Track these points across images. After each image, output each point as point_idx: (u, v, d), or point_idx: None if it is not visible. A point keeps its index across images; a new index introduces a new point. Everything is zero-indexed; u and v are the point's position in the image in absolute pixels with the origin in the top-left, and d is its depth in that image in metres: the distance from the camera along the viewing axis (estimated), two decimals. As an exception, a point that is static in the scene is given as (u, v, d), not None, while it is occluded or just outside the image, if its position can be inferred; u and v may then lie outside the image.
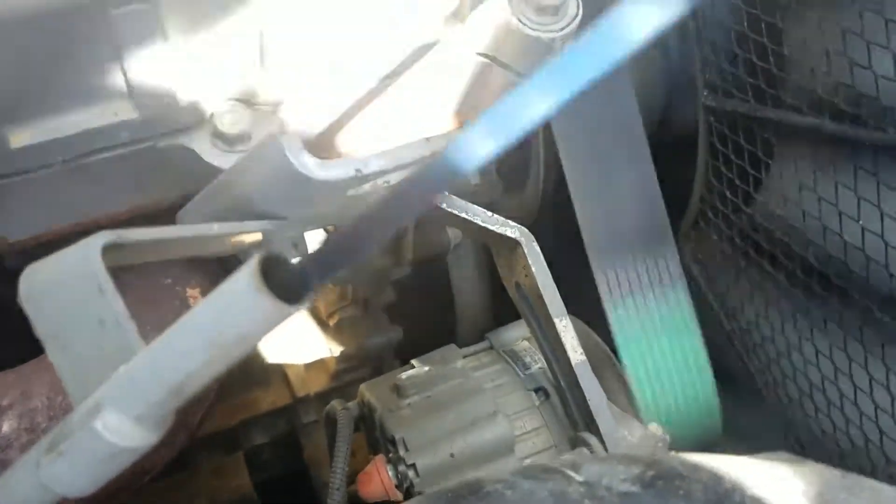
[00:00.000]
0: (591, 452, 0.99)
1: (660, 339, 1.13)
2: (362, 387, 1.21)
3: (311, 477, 1.47)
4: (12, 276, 0.74)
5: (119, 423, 0.36)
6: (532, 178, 1.36)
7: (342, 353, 1.46)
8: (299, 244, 0.67)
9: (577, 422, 1.04)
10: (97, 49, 0.52)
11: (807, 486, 0.51)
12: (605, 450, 0.98)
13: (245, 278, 0.31)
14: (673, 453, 0.55)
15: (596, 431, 0.98)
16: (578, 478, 0.51)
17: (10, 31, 0.47)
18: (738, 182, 1.10)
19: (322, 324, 1.43)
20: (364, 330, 1.47)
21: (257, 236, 0.55)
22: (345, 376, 1.49)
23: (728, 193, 1.07)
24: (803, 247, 0.99)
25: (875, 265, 0.90)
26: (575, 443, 1.03)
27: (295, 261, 0.32)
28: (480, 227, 1.03)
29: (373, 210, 0.33)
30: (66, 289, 0.40)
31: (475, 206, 1.03)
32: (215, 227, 0.51)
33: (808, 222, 0.96)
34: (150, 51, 0.53)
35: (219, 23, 0.55)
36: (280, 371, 1.42)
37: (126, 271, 0.40)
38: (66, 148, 0.57)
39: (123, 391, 0.36)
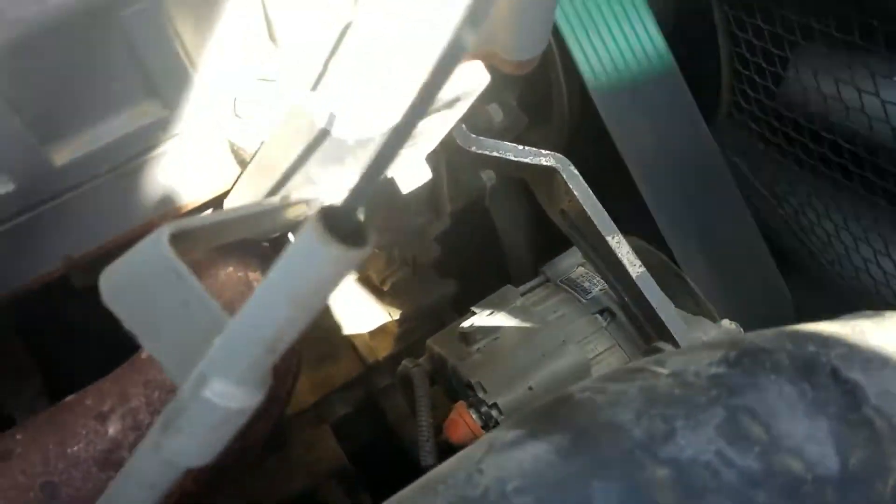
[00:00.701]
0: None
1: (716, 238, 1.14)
2: (429, 342, 1.23)
3: (398, 437, 1.51)
4: (79, 295, 0.78)
5: (225, 388, 0.38)
6: (556, 108, 1.35)
7: (402, 314, 1.49)
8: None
9: (648, 334, 1.05)
10: (115, 53, 0.53)
11: (890, 335, 0.52)
12: (681, 354, 0.99)
13: (310, 233, 0.33)
14: (753, 332, 0.55)
15: (669, 338, 0.99)
16: (664, 371, 0.52)
17: (30, 50, 0.49)
18: (765, 65, 1.09)
19: (377, 291, 1.46)
20: (418, 289, 1.49)
21: (305, 207, 0.57)
22: (409, 336, 1.52)
23: (757, 78, 1.06)
24: (828, 130, 0.99)
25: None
26: (650, 353, 1.04)
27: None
28: (515, 162, 1.03)
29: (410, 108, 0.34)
30: (145, 282, 0.42)
31: (506, 143, 1.04)
32: (265, 202, 0.52)
33: (831, 104, 0.95)
34: (165, 45, 0.54)
35: (223, 4, 0.56)
36: (347, 343, 1.45)
37: (190, 268, 0.42)
38: (108, 157, 0.59)
39: (224, 359, 0.38)
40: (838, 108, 0.95)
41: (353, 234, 0.34)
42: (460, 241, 1.53)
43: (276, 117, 0.60)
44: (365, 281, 1.45)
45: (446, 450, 1.16)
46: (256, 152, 0.59)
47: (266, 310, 0.36)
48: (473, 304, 1.23)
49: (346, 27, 0.54)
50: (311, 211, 0.58)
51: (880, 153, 0.96)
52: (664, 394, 0.50)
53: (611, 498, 0.44)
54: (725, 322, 1.04)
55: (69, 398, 0.69)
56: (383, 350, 1.48)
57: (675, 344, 1.00)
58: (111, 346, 0.67)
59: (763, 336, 0.54)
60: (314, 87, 0.56)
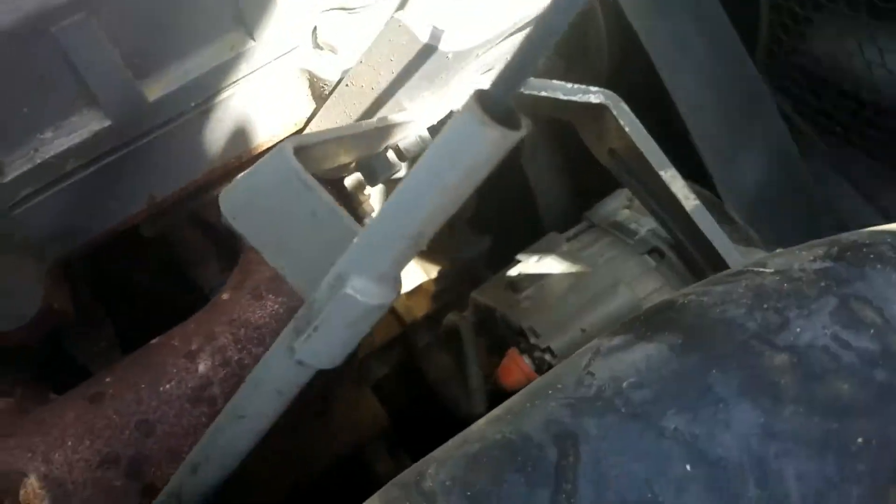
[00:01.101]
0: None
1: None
2: (473, 294, 1.25)
3: (439, 397, 1.53)
4: (146, 248, 0.79)
5: (365, 284, 0.40)
6: (594, 52, 1.36)
7: (438, 273, 1.50)
8: (426, 139, 0.70)
9: (701, 270, 1.07)
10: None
11: None
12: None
13: (468, 115, 0.34)
14: (846, 233, 0.57)
15: (728, 268, 1.01)
16: (769, 270, 0.54)
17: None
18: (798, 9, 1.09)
19: (414, 248, 1.47)
20: (452, 247, 1.50)
21: (405, 129, 0.58)
22: (445, 295, 1.53)
23: (797, 8, 1.07)
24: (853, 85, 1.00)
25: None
26: (704, 289, 1.06)
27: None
28: (562, 101, 1.04)
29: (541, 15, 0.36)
30: (271, 195, 0.44)
31: (553, 82, 1.04)
32: (374, 122, 0.54)
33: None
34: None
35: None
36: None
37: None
38: (196, 91, 0.60)
39: (366, 255, 0.40)
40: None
41: (508, 116, 0.35)
42: (493, 196, 1.54)
43: (358, 46, 0.61)
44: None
45: (496, 399, 1.18)
46: (340, 81, 0.61)
47: (416, 198, 0.38)
48: (508, 261, 1.25)
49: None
50: (411, 134, 0.60)
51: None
52: (773, 289, 0.51)
53: (731, 385, 0.47)
54: (780, 250, 1.06)
55: (155, 340, 0.71)
56: (421, 309, 1.50)
57: (732, 276, 1.02)
58: (176, 303, 0.70)
59: (859, 233, 0.55)
60: (404, 6, 0.57)
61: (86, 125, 0.57)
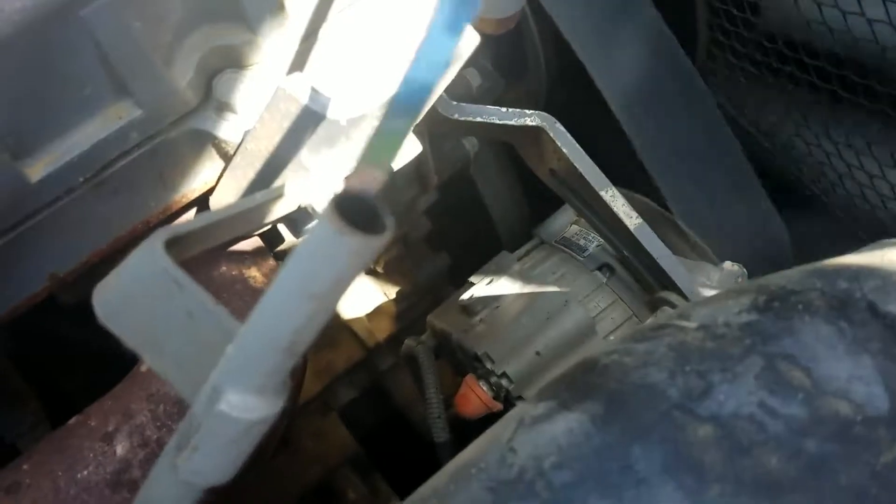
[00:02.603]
0: (673, 308, 0.99)
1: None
2: (429, 318, 1.21)
3: (407, 417, 1.50)
4: (68, 312, 0.74)
5: (243, 399, 0.36)
6: (532, 64, 1.32)
7: (398, 293, 1.47)
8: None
9: (650, 285, 1.04)
10: (80, 55, 0.50)
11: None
12: (686, 300, 0.98)
13: (326, 224, 0.30)
14: (777, 273, 0.54)
15: (673, 287, 0.97)
16: (692, 325, 0.50)
17: (2, 57, 0.45)
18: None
19: (370, 272, 1.43)
20: (411, 266, 1.47)
21: (300, 196, 0.54)
22: (407, 315, 1.50)
23: (735, 10, 1.03)
24: (813, 56, 0.97)
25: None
26: (654, 304, 1.03)
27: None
28: (499, 125, 1.00)
29: (395, 96, 0.33)
30: (143, 294, 0.39)
31: (488, 107, 1.01)
32: (258, 197, 0.50)
33: (826, 12, 0.92)
34: (131, 42, 0.50)
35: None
36: (346, 328, 1.43)
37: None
38: (83, 166, 0.55)
39: (239, 367, 0.36)
40: (822, 31, 0.93)
41: (371, 220, 0.31)
42: (449, 212, 1.50)
43: (258, 105, 0.57)
44: (356, 263, 1.42)
45: (458, 424, 1.15)
46: (241, 143, 0.56)
47: (283, 309, 0.34)
48: (469, 275, 1.22)
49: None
50: (309, 200, 0.55)
51: (870, 74, 0.94)
52: (695, 348, 0.48)
53: (654, 463, 0.43)
54: (727, 264, 1.03)
55: (72, 421, 0.67)
56: (383, 331, 1.46)
57: (680, 292, 0.98)
58: (108, 363, 0.65)
59: (789, 277, 0.52)
60: (295, 70, 0.53)
61: (-37, 215, 0.52)
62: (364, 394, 1.50)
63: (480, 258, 1.26)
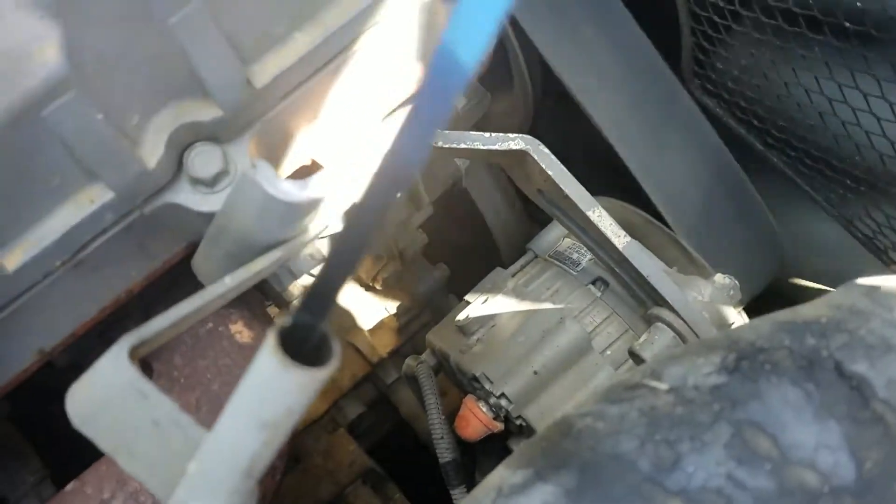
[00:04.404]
0: (667, 325, 0.98)
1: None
2: (428, 337, 1.21)
3: (413, 429, 1.51)
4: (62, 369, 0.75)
5: (207, 515, 0.36)
6: (517, 78, 1.31)
7: (398, 308, 1.47)
8: (315, 254, 0.66)
9: (644, 300, 1.03)
10: (46, 151, 0.50)
11: (888, 312, 0.50)
12: (681, 318, 0.97)
13: (268, 360, 0.30)
14: (748, 322, 0.53)
15: (664, 303, 0.97)
16: (663, 386, 0.50)
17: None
18: (722, 3, 1.04)
19: (369, 289, 1.44)
20: (410, 280, 1.47)
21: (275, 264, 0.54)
22: (409, 328, 1.50)
23: (717, 18, 1.02)
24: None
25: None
26: (649, 320, 1.02)
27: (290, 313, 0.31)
28: (483, 150, 1.00)
29: (343, 233, 0.33)
30: (111, 403, 0.40)
31: (471, 133, 1.00)
32: (227, 281, 0.50)
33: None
34: (94, 133, 0.50)
35: (148, 74, 0.52)
36: (349, 345, 1.44)
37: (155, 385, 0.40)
38: (59, 251, 0.56)
39: (200, 487, 0.36)
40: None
41: (317, 349, 0.31)
42: (446, 225, 1.50)
43: (230, 178, 0.57)
44: (356, 280, 1.42)
45: (462, 440, 1.15)
46: (214, 219, 0.56)
47: (237, 437, 0.34)
48: (470, 285, 1.21)
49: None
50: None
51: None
52: (665, 415, 0.47)
53: (625, 540, 0.43)
54: (718, 276, 1.02)
55: (69, 487, 0.68)
56: (385, 346, 1.46)
57: (671, 308, 0.98)
58: None
59: (758, 331, 0.51)
60: (266, 137, 0.53)
61: (-55, 307, 0.53)
62: (371, 407, 1.50)
63: (480, 268, 1.26)
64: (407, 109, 0.34)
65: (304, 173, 0.63)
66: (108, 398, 0.40)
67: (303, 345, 0.31)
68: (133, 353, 0.40)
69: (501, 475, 0.52)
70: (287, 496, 1.35)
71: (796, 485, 0.42)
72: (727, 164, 1.16)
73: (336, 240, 0.32)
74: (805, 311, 0.52)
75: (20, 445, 0.76)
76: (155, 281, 0.66)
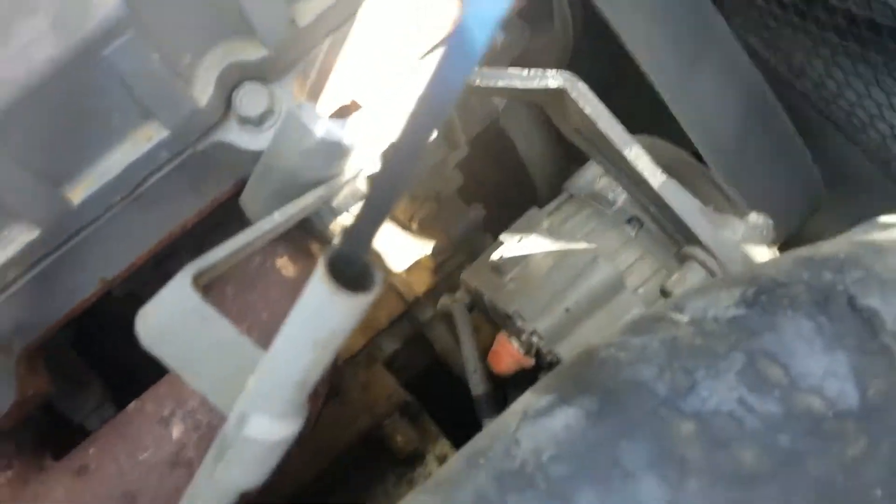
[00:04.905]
0: (700, 264, 1.01)
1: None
2: (463, 276, 1.26)
3: (448, 365, 1.57)
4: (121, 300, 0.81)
5: (265, 423, 0.42)
6: (557, 11, 1.32)
7: (434, 248, 1.51)
8: (355, 193, 0.71)
9: (678, 239, 1.06)
10: (106, 91, 0.55)
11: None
12: (714, 257, 1.00)
13: (318, 285, 0.35)
14: (772, 258, 0.57)
15: (697, 242, 1.00)
16: (684, 318, 0.54)
17: (34, 102, 0.51)
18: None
19: (406, 228, 1.48)
20: (446, 220, 1.51)
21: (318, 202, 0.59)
22: (445, 267, 1.55)
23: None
24: None
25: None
26: (682, 259, 1.06)
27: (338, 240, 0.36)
28: (520, 88, 1.02)
29: (382, 170, 0.37)
30: (178, 324, 0.45)
31: (509, 70, 1.02)
32: (276, 216, 0.55)
33: None
34: (151, 72, 0.55)
35: (200, 15, 0.56)
36: (386, 283, 1.49)
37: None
38: (120, 186, 0.61)
39: (260, 397, 0.42)
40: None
41: (361, 276, 0.36)
42: (483, 164, 1.53)
43: (276, 116, 0.61)
44: (393, 221, 1.47)
45: (493, 376, 1.21)
46: (262, 156, 0.61)
47: (292, 354, 0.39)
48: (505, 225, 1.25)
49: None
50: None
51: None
52: (685, 345, 0.52)
53: (640, 457, 0.47)
54: (753, 216, 1.05)
55: (131, 406, 0.75)
56: (422, 285, 1.52)
57: (704, 247, 1.01)
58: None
59: (780, 267, 0.55)
60: (309, 76, 0.57)
61: (16, 238, 0.58)
62: (407, 343, 1.56)
63: (517, 207, 1.29)
64: (443, 47, 0.37)
65: (344, 112, 0.68)
66: (174, 321, 0.45)
67: (348, 273, 0.36)
68: (195, 281, 0.45)
69: (528, 400, 0.57)
70: (328, 426, 1.43)
71: (803, 409, 0.46)
72: (765, 100, 1.16)
73: (376, 177, 0.36)
74: (826, 247, 0.55)
75: (82, 370, 0.83)
76: (204, 217, 0.71)
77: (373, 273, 0.37)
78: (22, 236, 0.58)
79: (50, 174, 0.57)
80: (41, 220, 0.58)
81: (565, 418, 0.51)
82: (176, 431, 0.71)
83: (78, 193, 0.59)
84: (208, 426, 0.71)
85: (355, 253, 0.36)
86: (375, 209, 0.35)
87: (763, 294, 0.53)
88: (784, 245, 1.11)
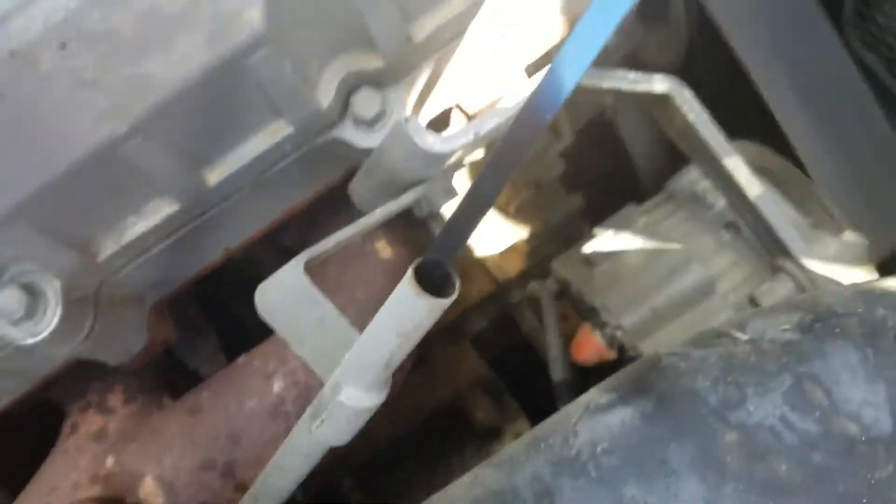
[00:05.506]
0: (790, 277, 1.05)
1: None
2: (554, 264, 1.32)
3: (533, 348, 1.63)
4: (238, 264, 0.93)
5: (355, 393, 0.51)
6: (673, 10, 1.34)
7: (529, 233, 1.57)
8: (450, 190, 0.79)
9: (772, 249, 1.09)
10: (245, 92, 0.65)
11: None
12: (804, 271, 1.03)
13: (406, 288, 0.43)
14: (837, 288, 0.61)
15: (790, 256, 1.03)
16: (744, 337, 0.60)
17: (187, 99, 0.61)
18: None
19: (503, 212, 1.55)
20: (543, 207, 1.56)
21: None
22: (537, 254, 1.60)
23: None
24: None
25: None
26: (773, 270, 1.09)
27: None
28: (627, 90, 1.07)
29: (481, 174, 0.44)
30: (290, 302, 0.55)
31: (616, 71, 1.07)
32: (378, 213, 0.64)
33: None
34: (284, 78, 0.65)
35: (327, 31, 0.65)
36: (479, 264, 1.57)
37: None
38: (248, 172, 0.72)
39: (352, 371, 0.51)
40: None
41: (443, 283, 0.44)
42: (587, 155, 1.57)
43: (387, 120, 0.70)
44: (491, 203, 1.54)
45: (575, 364, 1.27)
46: (370, 155, 0.70)
47: (380, 340, 0.48)
48: (603, 216, 1.30)
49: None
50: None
51: None
52: (741, 361, 0.58)
53: (685, 458, 0.54)
54: (848, 234, 1.07)
55: (241, 359, 0.86)
56: (513, 268, 1.58)
57: (795, 261, 1.04)
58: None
59: (840, 297, 0.60)
60: (420, 87, 0.65)
61: (160, 210, 0.70)
62: (494, 323, 1.63)
63: (616, 200, 1.34)
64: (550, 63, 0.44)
65: (447, 116, 0.76)
66: (286, 298, 0.55)
67: (434, 278, 0.44)
68: (306, 266, 0.54)
69: (591, 396, 0.65)
70: (411, 394, 1.52)
71: (839, 432, 0.52)
72: (875, 120, 1.17)
73: (465, 194, 0.44)
74: (888, 283, 0.60)
75: (201, 322, 0.96)
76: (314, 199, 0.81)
77: (454, 281, 0.45)
78: (164, 209, 0.70)
79: (193, 159, 0.68)
80: (182, 196, 0.69)
81: (622, 416, 0.59)
82: (277, 386, 0.82)
83: (214, 176, 0.70)
84: (305, 386, 0.81)
85: (441, 261, 0.44)
86: (460, 227, 0.43)
87: (818, 322, 0.58)
88: (885, 265, 1.12)
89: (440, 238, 0.44)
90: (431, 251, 0.44)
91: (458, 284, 0.45)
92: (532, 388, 1.58)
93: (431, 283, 0.44)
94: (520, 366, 1.68)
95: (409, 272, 0.44)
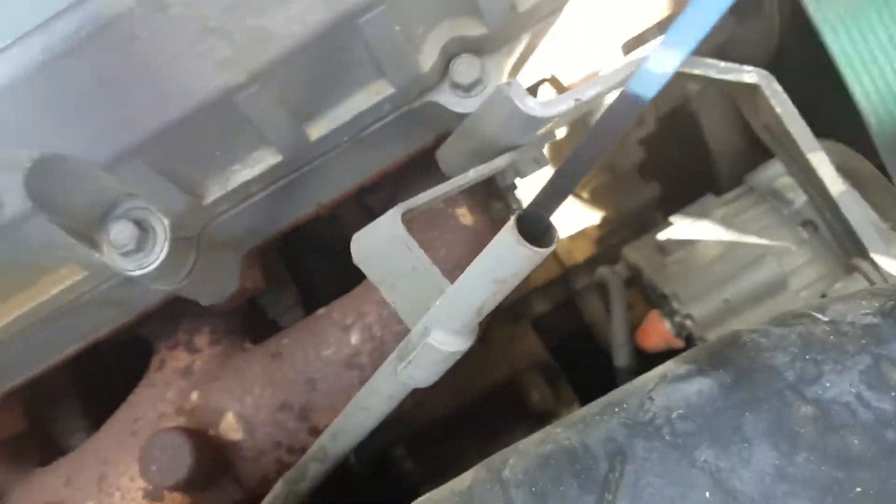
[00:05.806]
0: (865, 277, 1.05)
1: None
2: (625, 250, 1.35)
3: (594, 335, 1.65)
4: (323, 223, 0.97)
5: (444, 337, 0.55)
6: (767, 4, 1.35)
7: (601, 219, 1.59)
8: (540, 159, 0.82)
9: (849, 249, 1.09)
10: (353, 50, 0.69)
11: None
12: (878, 271, 1.03)
13: (507, 235, 0.47)
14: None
15: (867, 257, 1.03)
16: (824, 318, 0.62)
17: (301, 53, 0.65)
18: None
19: (577, 196, 1.57)
20: (618, 194, 1.58)
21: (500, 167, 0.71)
22: (608, 240, 1.62)
23: None
24: None
25: None
26: (848, 270, 1.09)
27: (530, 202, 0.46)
28: (716, 78, 1.08)
29: (581, 143, 0.47)
30: (385, 249, 0.58)
31: (707, 60, 1.08)
32: (471, 174, 0.67)
33: None
34: (391, 39, 0.68)
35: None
36: (549, 245, 1.59)
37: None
38: (348, 129, 0.76)
39: (443, 316, 0.54)
40: None
41: (542, 234, 0.47)
42: (666, 144, 1.58)
43: (484, 88, 0.73)
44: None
45: (640, 352, 1.29)
46: (466, 119, 0.74)
47: (475, 286, 0.51)
48: (679, 206, 1.32)
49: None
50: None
51: None
52: (820, 340, 0.60)
53: (759, 427, 0.57)
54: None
55: (320, 311, 0.91)
56: (582, 253, 1.60)
57: (871, 262, 1.04)
58: (347, 264, 0.86)
59: (923, 287, 0.61)
60: (521, 57, 0.68)
61: (264, 160, 0.74)
62: (556, 307, 1.65)
63: (693, 188, 1.34)
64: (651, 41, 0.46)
65: (533, 91, 0.78)
66: (382, 245, 0.58)
67: (532, 230, 0.47)
68: (403, 216, 0.58)
69: (668, 366, 0.67)
70: (468, 370, 1.55)
71: (914, 413, 0.53)
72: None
73: (570, 153, 0.47)
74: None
75: (283, 274, 1.01)
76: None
77: (552, 234, 0.48)
78: (268, 159, 0.74)
79: (299, 112, 0.73)
80: (285, 148, 0.74)
81: (700, 385, 0.61)
82: (354, 338, 0.86)
83: (316, 131, 0.74)
84: (381, 340, 0.86)
85: (541, 214, 0.47)
86: (564, 181, 0.46)
87: (900, 309, 0.59)
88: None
89: (543, 191, 0.47)
90: (532, 203, 0.47)
91: (556, 236, 0.48)
92: (587, 377, 1.60)
93: (530, 234, 0.47)
94: (577, 353, 1.70)
95: (511, 221, 0.47)
